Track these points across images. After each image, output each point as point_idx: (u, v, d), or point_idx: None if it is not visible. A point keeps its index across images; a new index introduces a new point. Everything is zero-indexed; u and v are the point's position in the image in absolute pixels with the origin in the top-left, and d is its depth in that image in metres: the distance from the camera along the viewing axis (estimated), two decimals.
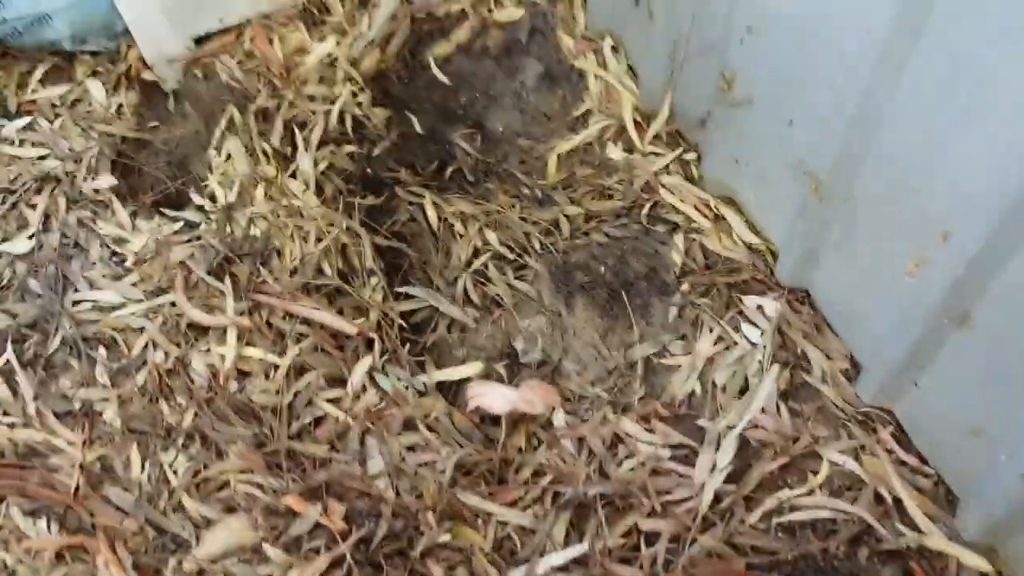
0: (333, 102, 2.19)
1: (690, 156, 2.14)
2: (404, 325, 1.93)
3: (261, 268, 1.86)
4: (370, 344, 1.82)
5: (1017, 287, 1.33)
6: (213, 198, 2.03)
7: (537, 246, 2.06)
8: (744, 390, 1.76)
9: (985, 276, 1.36)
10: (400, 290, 1.98)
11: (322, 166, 2.07)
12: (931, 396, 1.58)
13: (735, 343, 1.81)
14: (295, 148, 2.10)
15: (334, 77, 2.26)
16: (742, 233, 2.00)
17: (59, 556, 1.57)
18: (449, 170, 2.27)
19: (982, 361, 1.45)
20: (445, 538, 1.52)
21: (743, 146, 1.93)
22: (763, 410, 1.69)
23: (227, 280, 1.84)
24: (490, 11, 2.40)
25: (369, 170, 2.17)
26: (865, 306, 1.71)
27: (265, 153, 2.08)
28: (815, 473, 1.64)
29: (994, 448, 1.46)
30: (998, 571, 1.52)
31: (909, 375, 1.60)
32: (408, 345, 1.89)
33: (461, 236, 2.05)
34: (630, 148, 2.21)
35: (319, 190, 2.04)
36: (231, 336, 1.77)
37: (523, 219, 2.10)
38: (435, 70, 2.37)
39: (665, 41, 2.03)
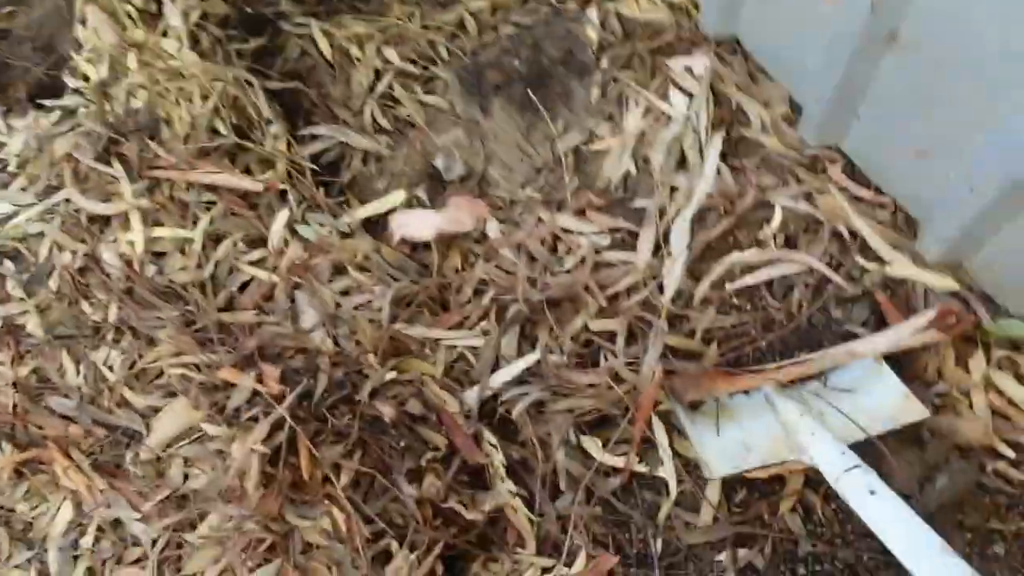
0: None
1: None
2: (316, 169, 1.80)
3: (150, 142, 1.72)
4: (283, 196, 1.71)
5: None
6: (86, 78, 1.86)
7: (444, 53, 1.88)
8: (682, 162, 1.65)
9: None
10: (304, 132, 1.84)
11: (194, 17, 1.87)
12: (874, 125, 1.46)
13: (665, 114, 1.67)
14: (161, 3, 1.90)
15: None
16: None
17: (18, 472, 1.55)
18: None
19: (917, 81, 1.33)
20: (391, 375, 1.47)
21: None
22: None
23: (117, 163, 1.71)
24: None
25: (248, 9, 1.97)
26: (794, 43, 1.54)
27: (130, 16, 1.88)
28: (768, 222, 1.55)
29: (943, 165, 1.36)
30: (966, 287, 1.46)
31: (849, 107, 1.47)
32: (324, 189, 1.77)
33: (359, 61, 1.88)
34: None
35: (196, 44, 1.85)
36: (136, 220, 1.66)
37: (425, 27, 1.91)
38: None
39: None
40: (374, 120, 1.82)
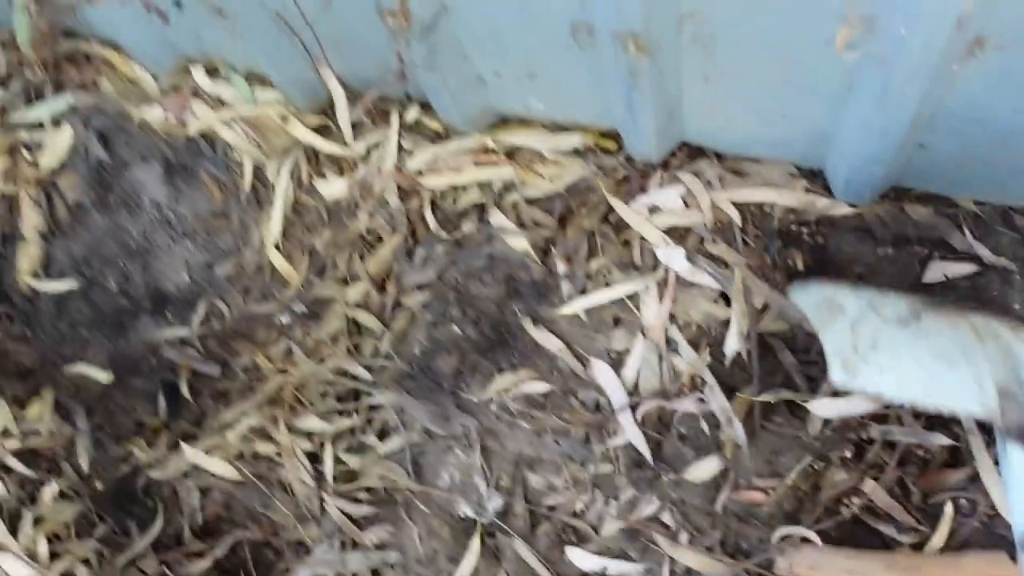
0: None
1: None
2: None
3: None
4: None
5: None
6: None
7: (365, 373, 1.40)
8: None
9: None
10: None
11: (42, 546, 1.31)
12: None
13: (678, 279, 1.25)
14: None
15: None
16: None
17: None
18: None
19: None
20: None
21: None
22: None
23: None
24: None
25: (98, 484, 1.42)
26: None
27: None
28: None
29: None
30: None
31: None
32: None
33: (279, 456, 1.35)
34: (339, 164, 1.55)
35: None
36: None
37: (320, 360, 1.42)
38: (47, 285, 1.60)
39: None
40: (348, 517, 1.31)
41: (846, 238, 1.23)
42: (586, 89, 1.23)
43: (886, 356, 1.01)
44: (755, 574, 1.12)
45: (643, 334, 1.24)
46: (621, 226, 1.29)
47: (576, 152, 1.37)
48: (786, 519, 1.13)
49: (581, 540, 1.21)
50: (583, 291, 1.29)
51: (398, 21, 1.14)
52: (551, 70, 1.22)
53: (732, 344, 1.19)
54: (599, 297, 1.27)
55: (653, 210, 1.28)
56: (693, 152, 1.29)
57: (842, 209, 1.21)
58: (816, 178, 1.23)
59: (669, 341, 1.24)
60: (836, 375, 1.02)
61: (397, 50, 1.25)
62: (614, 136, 1.34)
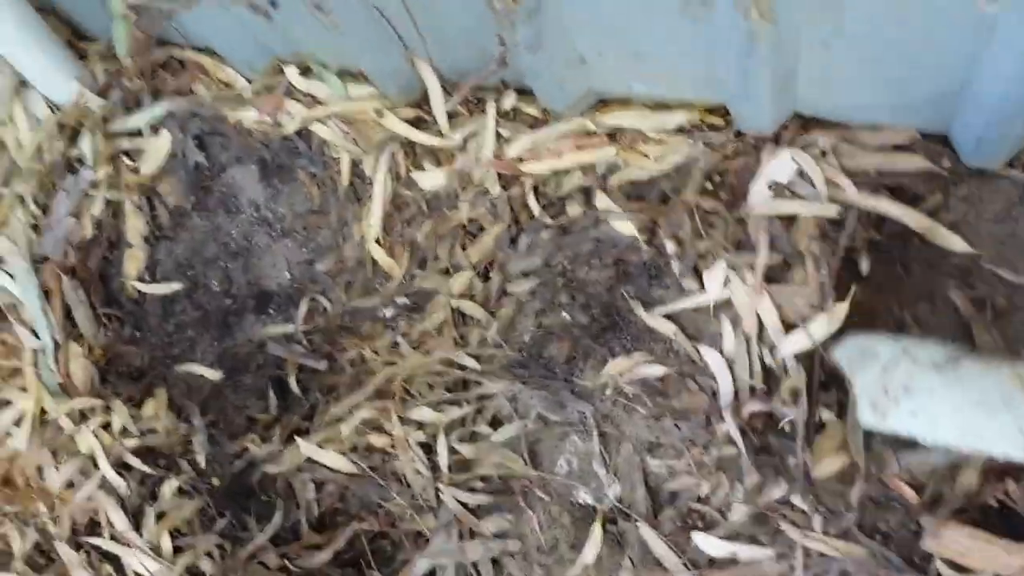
0: None
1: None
2: None
3: None
4: None
5: None
6: None
7: (474, 363, 1.39)
8: None
9: None
10: None
11: (166, 542, 1.35)
12: None
13: None
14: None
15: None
16: None
17: None
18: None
19: None
20: None
21: None
22: None
23: None
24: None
25: (215, 481, 1.45)
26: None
27: None
28: None
29: None
30: None
31: None
32: None
33: (393, 449, 1.36)
34: (436, 155, 1.54)
35: None
36: None
37: (425, 352, 1.42)
38: (153, 288, 1.63)
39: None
40: (464, 506, 1.29)
41: None
42: (695, 62, 1.20)
43: (919, 400, 0.99)
44: (896, 557, 1.08)
45: (733, 326, 1.21)
46: (732, 203, 1.26)
47: (681, 130, 1.34)
48: (928, 503, 1.09)
49: (708, 526, 1.18)
50: (695, 271, 1.26)
51: (506, 3, 1.13)
52: (657, 45, 1.20)
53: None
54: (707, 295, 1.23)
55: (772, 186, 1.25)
56: (806, 123, 1.26)
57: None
58: (938, 142, 1.18)
59: (763, 337, 1.20)
60: (865, 416, 1.01)
61: (500, 33, 1.25)
62: (720, 111, 1.31)
